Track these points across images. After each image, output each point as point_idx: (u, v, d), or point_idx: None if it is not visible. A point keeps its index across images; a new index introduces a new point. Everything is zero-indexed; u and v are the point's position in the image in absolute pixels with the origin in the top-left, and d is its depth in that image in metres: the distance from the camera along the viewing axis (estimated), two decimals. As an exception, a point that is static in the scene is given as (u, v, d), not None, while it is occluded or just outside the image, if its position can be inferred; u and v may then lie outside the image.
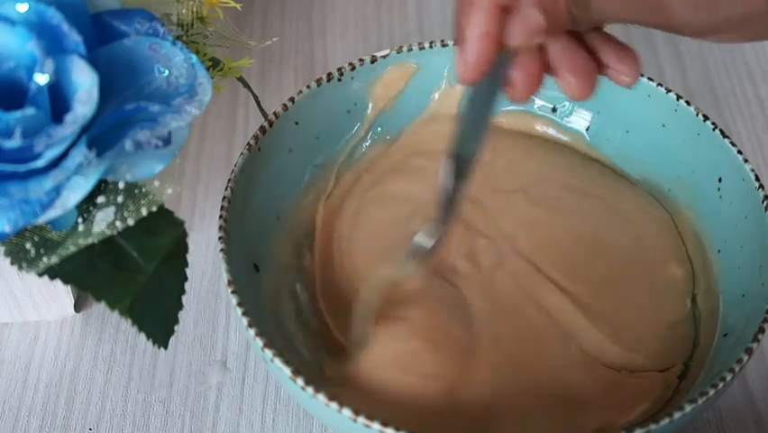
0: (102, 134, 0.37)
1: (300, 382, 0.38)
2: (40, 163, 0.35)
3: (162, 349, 0.39)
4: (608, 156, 0.50)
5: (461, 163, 0.41)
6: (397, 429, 0.37)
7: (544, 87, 0.49)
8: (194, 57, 0.39)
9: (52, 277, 0.38)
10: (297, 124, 0.47)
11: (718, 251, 0.45)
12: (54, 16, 0.37)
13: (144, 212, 0.37)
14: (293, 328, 0.45)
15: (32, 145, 0.35)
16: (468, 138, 0.41)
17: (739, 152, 0.45)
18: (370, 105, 0.50)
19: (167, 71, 0.38)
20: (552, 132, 0.51)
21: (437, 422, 0.42)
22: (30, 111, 0.35)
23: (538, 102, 0.51)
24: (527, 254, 0.47)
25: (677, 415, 0.37)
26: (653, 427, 0.37)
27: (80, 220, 0.38)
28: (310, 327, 0.46)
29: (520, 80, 0.39)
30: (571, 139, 0.51)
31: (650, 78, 0.48)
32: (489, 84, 0.39)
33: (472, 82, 0.38)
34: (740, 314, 0.42)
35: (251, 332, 0.39)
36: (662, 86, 0.48)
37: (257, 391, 0.48)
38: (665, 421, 0.37)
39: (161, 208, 0.38)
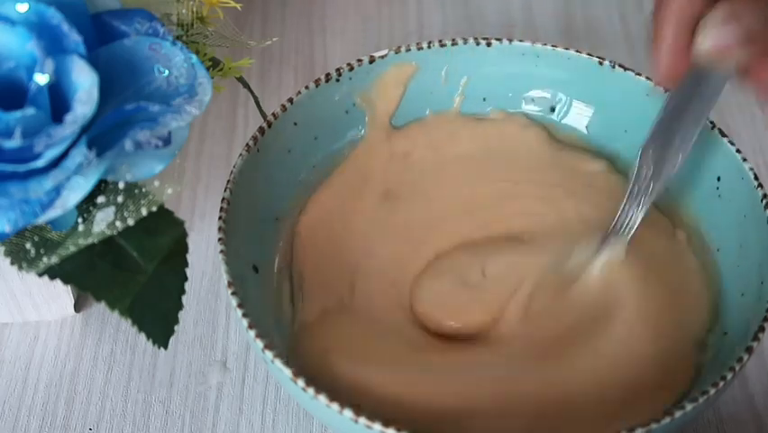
0: (102, 134, 0.37)
1: (301, 383, 0.38)
2: (40, 163, 0.35)
3: (162, 349, 0.39)
4: (607, 156, 0.50)
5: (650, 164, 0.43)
6: (398, 430, 0.37)
7: (542, 88, 0.50)
8: (194, 57, 0.39)
9: (52, 277, 0.38)
10: (295, 124, 0.47)
11: (718, 250, 0.45)
12: (54, 16, 0.37)
13: (144, 212, 0.37)
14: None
15: (32, 145, 0.35)
16: (662, 139, 0.42)
17: (738, 150, 0.45)
18: (369, 105, 0.50)
19: (167, 71, 0.38)
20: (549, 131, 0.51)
21: None
22: (30, 111, 0.35)
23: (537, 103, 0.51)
24: None
25: (678, 414, 0.37)
26: (654, 426, 0.37)
27: (80, 220, 0.38)
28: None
29: (761, 89, 0.38)
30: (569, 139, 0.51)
31: (648, 78, 0.48)
32: (690, 89, 0.39)
33: (666, 88, 0.40)
34: (740, 313, 0.42)
35: (252, 333, 0.39)
36: (661, 85, 0.48)
37: (257, 391, 0.48)
38: (666, 421, 0.37)
39: (161, 208, 0.37)
